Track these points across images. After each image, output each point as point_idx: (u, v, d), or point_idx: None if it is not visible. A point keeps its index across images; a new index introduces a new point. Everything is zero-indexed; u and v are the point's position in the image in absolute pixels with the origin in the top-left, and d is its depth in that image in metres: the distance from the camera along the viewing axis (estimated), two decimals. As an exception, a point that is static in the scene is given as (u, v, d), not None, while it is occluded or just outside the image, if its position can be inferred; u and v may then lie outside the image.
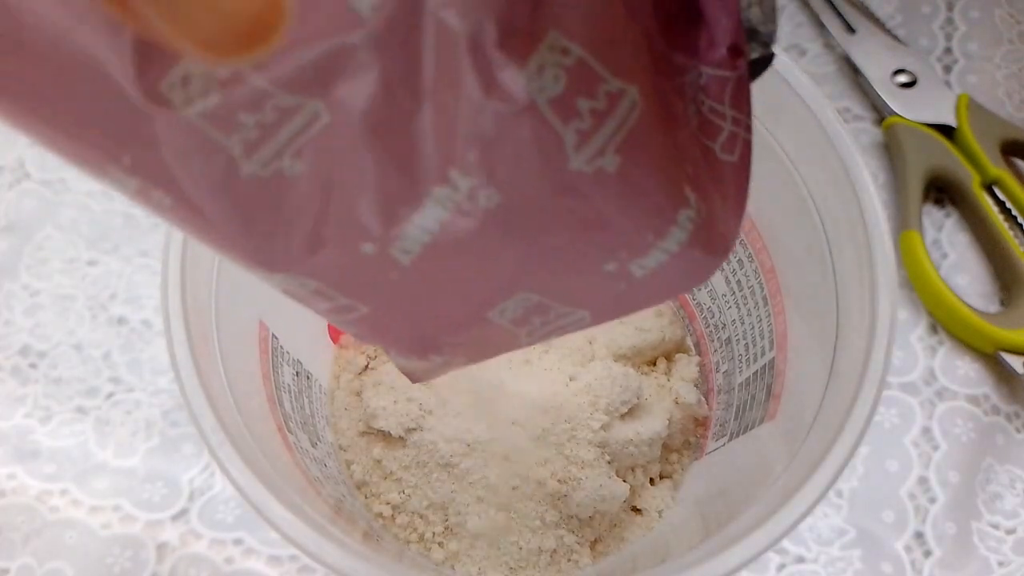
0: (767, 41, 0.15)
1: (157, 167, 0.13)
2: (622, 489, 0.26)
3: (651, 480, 0.28)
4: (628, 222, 0.14)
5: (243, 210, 0.13)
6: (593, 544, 0.27)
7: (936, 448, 0.31)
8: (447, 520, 0.27)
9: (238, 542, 0.29)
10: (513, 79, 0.12)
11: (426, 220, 0.13)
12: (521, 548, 0.26)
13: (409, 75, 0.12)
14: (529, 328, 0.16)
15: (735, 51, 0.14)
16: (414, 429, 0.27)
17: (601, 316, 0.16)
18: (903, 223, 0.33)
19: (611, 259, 0.15)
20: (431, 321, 0.16)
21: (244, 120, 0.12)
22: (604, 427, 0.26)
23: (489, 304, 0.15)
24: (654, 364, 0.30)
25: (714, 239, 0.15)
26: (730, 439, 0.26)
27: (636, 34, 0.13)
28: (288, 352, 0.25)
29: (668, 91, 0.14)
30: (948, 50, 0.38)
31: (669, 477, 0.28)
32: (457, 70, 0.12)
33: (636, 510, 0.27)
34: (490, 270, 0.14)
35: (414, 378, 0.18)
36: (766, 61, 0.15)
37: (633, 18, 0.13)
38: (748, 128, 0.15)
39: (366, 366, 0.30)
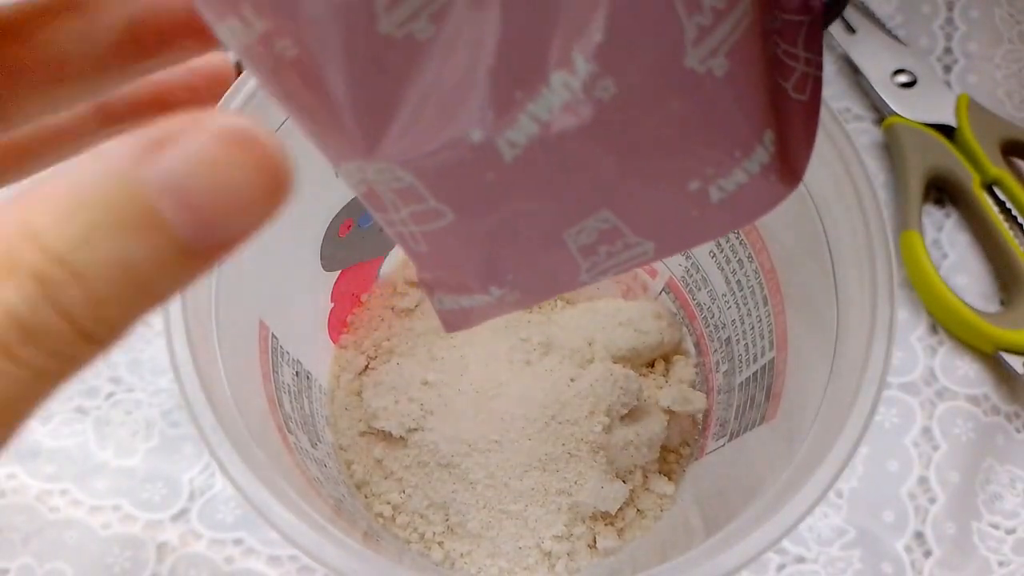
0: None
1: (292, 10, 0.12)
2: (622, 490, 0.26)
3: (650, 480, 0.28)
4: (723, 132, 0.14)
5: (368, 74, 0.13)
6: (592, 544, 0.27)
7: (936, 448, 0.31)
8: (448, 520, 0.27)
9: (238, 542, 0.29)
10: None
11: (540, 108, 0.13)
12: (521, 548, 0.26)
13: None
14: (594, 260, 0.16)
15: None
16: (415, 429, 0.27)
17: (665, 248, 0.16)
18: (903, 223, 0.33)
19: (697, 176, 0.15)
20: (509, 239, 0.16)
21: None
22: (604, 428, 0.26)
23: (571, 221, 0.15)
24: (652, 366, 0.30)
25: (787, 167, 0.16)
26: (730, 439, 0.26)
27: None
28: (288, 352, 0.25)
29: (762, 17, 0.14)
30: (948, 50, 0.38)
31: (669, 477, 0.28)
32: None
33: (636, 510, 0.27)
34: (585, 176, 0.14)
35: (452, 325, 0.18)
36: (840, 5, 0.15)
37: None
38: (819, 66, 0.15)
39: (366, 366, 0.30)
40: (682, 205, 0.15)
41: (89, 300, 0.10)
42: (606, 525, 0.27)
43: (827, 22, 0.15)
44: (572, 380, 0.27)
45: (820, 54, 0.15)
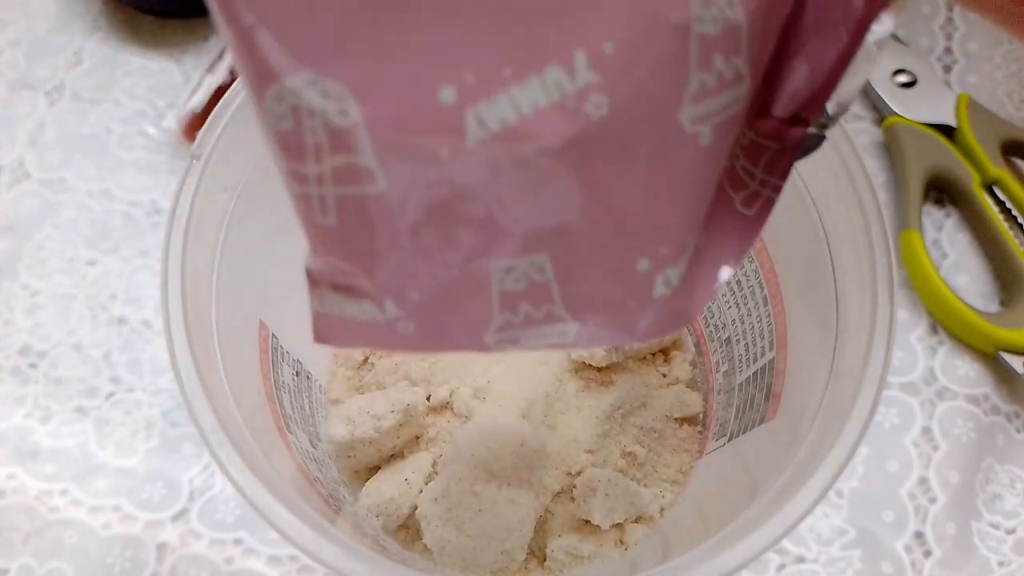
0: (826, 124, 0.14)
1: None
2: (622, 490, 0.26)
3: (650, 480, 0.28)
4: (686, 207, 0.13)
5: None
6: (592, 545, 0.27)
7: (936, 448, 0.31)
8: (448, 519, 0.26)
9: (238, 542, 0.29)
10: None
11: (520, 99, 0.12)
12: (519, 548, 0.26)
13: None
14: (509, 317, 0.14)
15: (796, 120, 0.14)
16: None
17: (584, 339, 0.15)
18: (903, 223, 0.33)
19: (648, 253, 0.13)
20: (432, 244, 0.14)
21: None
22: (604, 428, 0.26)
23: (506, 249, 0.13)
24: (651, 357, 0.30)
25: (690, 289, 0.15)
26: (730, 439, 0.26)
27: (769, 43, 0.13)
28: (288, 352, 0.25)
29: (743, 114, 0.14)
30: (948, 50, 0.38)
31: (668, 478, 0.28)
32: None
33: (635, 511, 0.27)
34: (542, 200, 0.13)
35: (322, 335, 0.15)
36: (816, 141, 0.14)
37: (772, 31, 0.13)
38: (778, 189, 0.14)
39: (364, 359, 0.30)
40: (623, 286, 0.14)
41: None
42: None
43: (800, 156, 0.15)
44: (571, 380, 0.27)
45: (782, 179, 0.14)
